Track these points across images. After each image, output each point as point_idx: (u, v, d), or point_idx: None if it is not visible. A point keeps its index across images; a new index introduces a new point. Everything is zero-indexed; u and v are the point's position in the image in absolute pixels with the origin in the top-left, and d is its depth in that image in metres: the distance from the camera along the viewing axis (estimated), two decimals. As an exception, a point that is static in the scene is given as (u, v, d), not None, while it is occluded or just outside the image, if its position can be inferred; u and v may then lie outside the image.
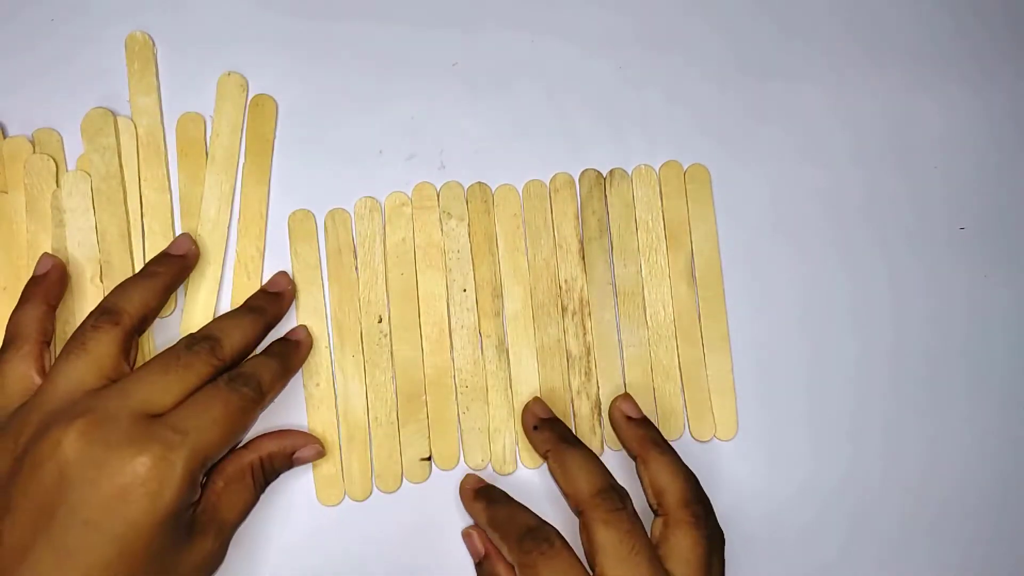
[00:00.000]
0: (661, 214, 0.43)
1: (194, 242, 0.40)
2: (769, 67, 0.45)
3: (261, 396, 0.36)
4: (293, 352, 0.40)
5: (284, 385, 0.39)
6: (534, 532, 0.36)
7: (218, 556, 0.36)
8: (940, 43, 0.46)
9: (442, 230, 0.42)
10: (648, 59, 0.44)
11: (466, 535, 0.39)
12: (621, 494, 0.37)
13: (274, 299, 0.40)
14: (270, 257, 0.42)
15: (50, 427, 0.32)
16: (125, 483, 0.31)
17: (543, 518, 0.37)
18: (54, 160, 0.40)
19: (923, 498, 0.43)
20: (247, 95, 0.42)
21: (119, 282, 0.40)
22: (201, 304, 0.41)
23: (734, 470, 0.42)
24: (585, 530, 0.36)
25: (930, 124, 0.45)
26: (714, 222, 0.43)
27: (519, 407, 0.41)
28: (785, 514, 0.42)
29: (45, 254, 0.39)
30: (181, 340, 0.36)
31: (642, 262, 0.42)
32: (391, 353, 0.41)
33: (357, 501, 0.40)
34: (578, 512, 0.37)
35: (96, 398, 0.33)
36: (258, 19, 0.43)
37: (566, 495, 0.38)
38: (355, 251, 0.42)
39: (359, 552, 0.40)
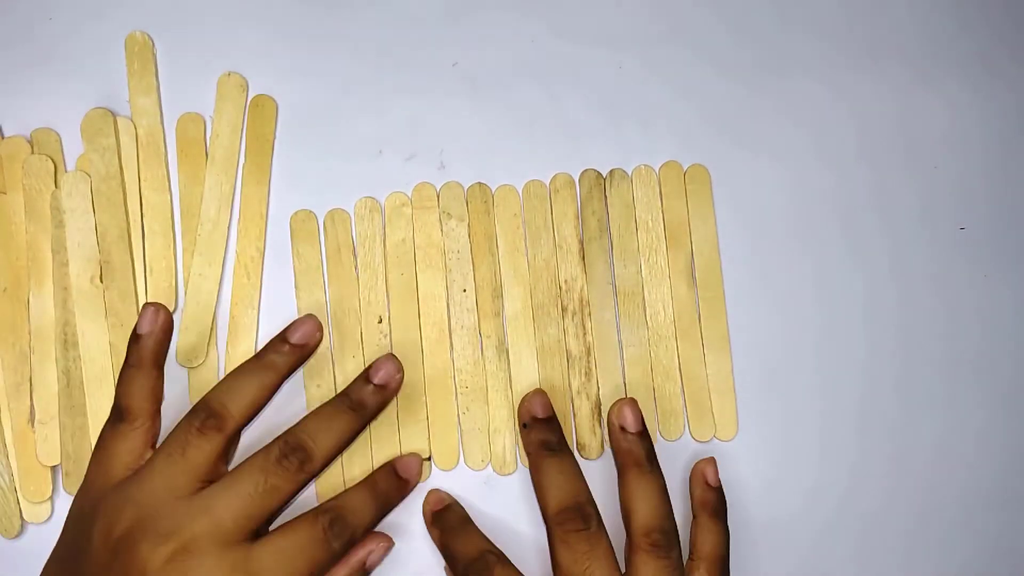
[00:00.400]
0: (661, 214, 0.43)
1: (319, 327, 0.38)
2: (769, 66, 0.44)
3: (348, 547, 0.36)
4: (397, 493, 0.39)
5: (376, 522, 0.38)
6: (474, 563, 0.36)
7: None
8: (942, 42, 0.46)
9: (442, 230, 0.42)
10: (648, 59, 0.44)
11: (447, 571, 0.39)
12: (585, 513, 0.36)
13: (378, 393, 0.38)
14: (270, 257, 0.42)
15: (140, 541, 0.33)
16: None
17: (490, 542, 0.37)
18: (52, 161, 0.40)
19: (924, 499, 0.43)
20: (247, 95, 0.42)
21: (122, 285, 0.40)
22: (201, 305, 0.41)
23: (734, 470, 0.42)
24: (549, 546, 0.36)
25: (931, 124, 0.45)
26: (714, 222, 0.43)
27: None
28: (785, 514, 0.42)
29: (148, 305, 0.38)
30: (273, 445, 0.36)
31: (642, 262, 0.42)
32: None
33: (357, 501, 0.40)
34: (546, 525, 0.37)
35: (187, 515, 0.34)
36: (258, 19, 0.43)
37: (539, 505, 0.38)
38: (355, 251, 0.42)
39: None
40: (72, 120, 0.41)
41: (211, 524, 0.34)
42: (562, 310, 0.42)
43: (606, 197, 0.43)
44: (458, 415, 0.41)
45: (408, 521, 0.40)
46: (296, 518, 0.36)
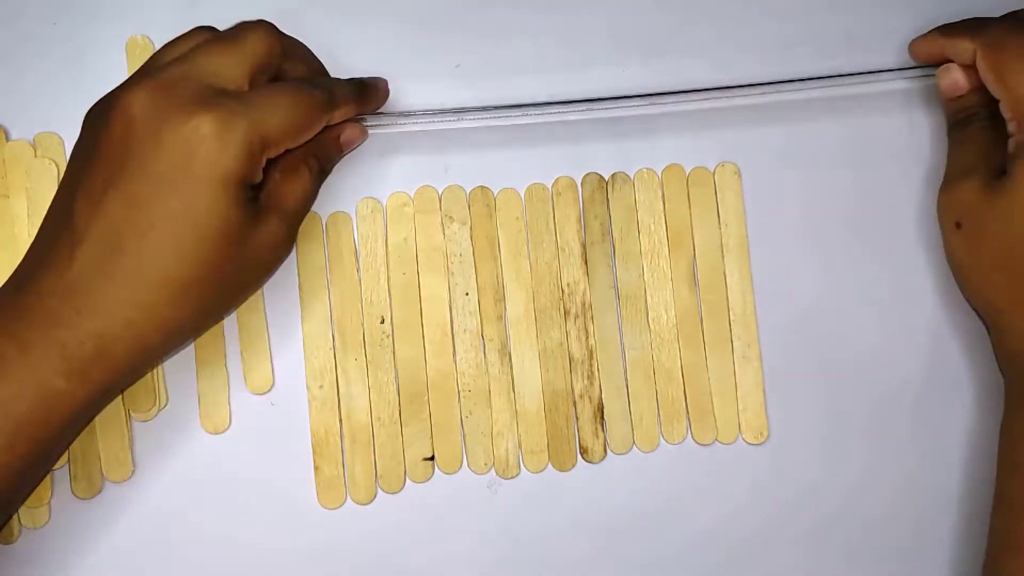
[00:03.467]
0: (663, 218, 0.43)
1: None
2: (770, 70, 0.44)
3: (331, 103, 0.37)
4: (369, 88, 0.41)
5: (354, 111, 0.39)
6: None
7: (286, 243, 0.38)
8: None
9: (444, 234, 0.42)
10: (650, 61, 0.44)
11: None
12: None
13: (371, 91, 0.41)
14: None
15: (119, 90, 0.35)
16: (188, 137, 0.33)
17: None
18: (56, 164, 0.40)
19: (917, 498, 0.43)
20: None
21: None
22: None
23: (736, 474, 0.42)
24: None
25: (930, 124, 0.45)
26: (716, 225, 0.43)
27: (522, 411, 0.41)
28: (788, 517, 0.42)
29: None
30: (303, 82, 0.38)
31: (644, 266, 0.42)
32: (393, 353, 0.41)
33: (361, 504, 0.40)
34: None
35: (166, 68, 0.35)
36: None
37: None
38: (356, 253, 0.42)
39: (360, 555, 0.40)
40: (75, 124, 0.40)
41: (193, 67, 0.35)
42: (564, 314, 0.42)
43: (608, 200, 0.43)
44: (461, 418, 0.41)
45: (412, 522, 0.40)
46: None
